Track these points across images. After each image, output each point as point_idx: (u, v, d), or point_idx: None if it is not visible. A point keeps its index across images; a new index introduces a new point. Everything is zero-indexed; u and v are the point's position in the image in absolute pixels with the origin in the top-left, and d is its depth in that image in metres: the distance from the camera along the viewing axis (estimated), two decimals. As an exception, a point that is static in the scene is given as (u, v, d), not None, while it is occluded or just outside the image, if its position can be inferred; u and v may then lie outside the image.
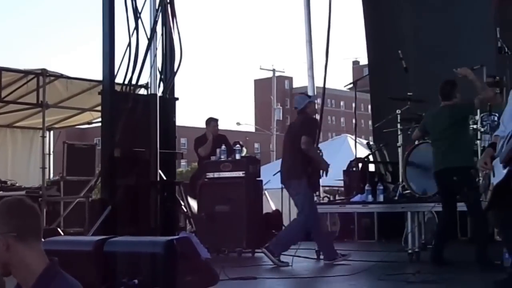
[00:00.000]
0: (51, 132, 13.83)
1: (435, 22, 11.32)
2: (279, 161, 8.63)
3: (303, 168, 7.53)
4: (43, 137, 11.66)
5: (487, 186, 5.16)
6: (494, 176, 5.04)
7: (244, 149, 9.64)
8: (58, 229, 10.11)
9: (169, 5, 8.88)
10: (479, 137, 7.39)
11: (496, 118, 7.14)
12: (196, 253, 4.80)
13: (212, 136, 10.02)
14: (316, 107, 8.39)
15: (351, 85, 9.48)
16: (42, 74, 10.94)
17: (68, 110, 12.73)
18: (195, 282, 4.66)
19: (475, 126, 7.45)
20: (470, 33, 10.75)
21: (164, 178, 8.62)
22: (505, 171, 4.88)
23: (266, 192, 12.54)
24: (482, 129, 7.32)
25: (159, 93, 8.73)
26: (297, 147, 7.52)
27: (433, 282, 5.60)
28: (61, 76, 11.64)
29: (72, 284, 2.35)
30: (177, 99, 9.24)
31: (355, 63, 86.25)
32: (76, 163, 12.25)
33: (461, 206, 7.18)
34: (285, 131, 8.63)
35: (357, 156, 10.41)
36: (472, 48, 10.63)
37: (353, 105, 9.07)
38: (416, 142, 8.02)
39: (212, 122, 10.20)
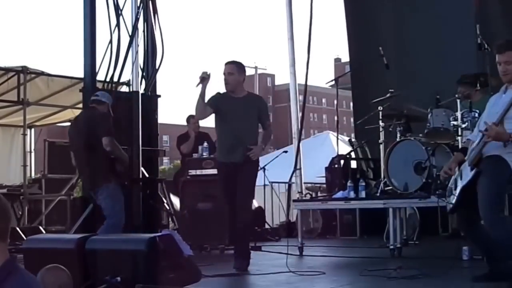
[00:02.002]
0: (32, 130, 13.76)
1: (416, 19, 11.38)
2: (261, 158, 8.54)
3: (108, 170, 7.01)
4: (24, 135, 11.63)
5: (453, 190, 5.20)
6: (461, 179, 5.10)
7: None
8: (40, 227, 10.08)
9: (150, 2, 8.87)
10: (459, 134, 7.39)
11: (476, 115, 7.15)
12: (178, 251, 4.81)
13: (194, 133, 10.01)
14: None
15: (333, 82, 9.50)
16: (23, 71, 10.88)
17: (49, 107, 12.67)
18: (178, 279, 4.67)
19: (455, 123, 7.46)
20: (450, 30, 10.81)
21: (147, 175, 8.62)
22: (472, 172, 4.94)
23: (248, 189, 12.54)
24: (463, 126, 7.32)
25: (141, 90, 8.73)
26: (98, 149, 6.90)
27: (414, 277, 5.63)
28: (42, 73, 11.59)
29: (28, 279, 2.36)
30: (159, 96, 9.24)
31: (337, 60, 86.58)
32: (58, 161, 12.18)
33: (442, 202, 7.21)
34: (71, 128, 7.65)
35: (339, 153, 10.43)
36: (452, 45, 10.70)
37: (335, 102, 9.09)
38: (398, 139, 8.06)
39: (191, 119, 10.18)
